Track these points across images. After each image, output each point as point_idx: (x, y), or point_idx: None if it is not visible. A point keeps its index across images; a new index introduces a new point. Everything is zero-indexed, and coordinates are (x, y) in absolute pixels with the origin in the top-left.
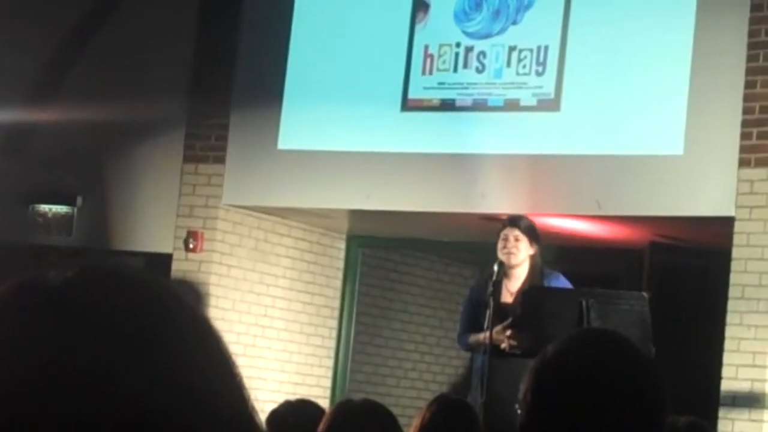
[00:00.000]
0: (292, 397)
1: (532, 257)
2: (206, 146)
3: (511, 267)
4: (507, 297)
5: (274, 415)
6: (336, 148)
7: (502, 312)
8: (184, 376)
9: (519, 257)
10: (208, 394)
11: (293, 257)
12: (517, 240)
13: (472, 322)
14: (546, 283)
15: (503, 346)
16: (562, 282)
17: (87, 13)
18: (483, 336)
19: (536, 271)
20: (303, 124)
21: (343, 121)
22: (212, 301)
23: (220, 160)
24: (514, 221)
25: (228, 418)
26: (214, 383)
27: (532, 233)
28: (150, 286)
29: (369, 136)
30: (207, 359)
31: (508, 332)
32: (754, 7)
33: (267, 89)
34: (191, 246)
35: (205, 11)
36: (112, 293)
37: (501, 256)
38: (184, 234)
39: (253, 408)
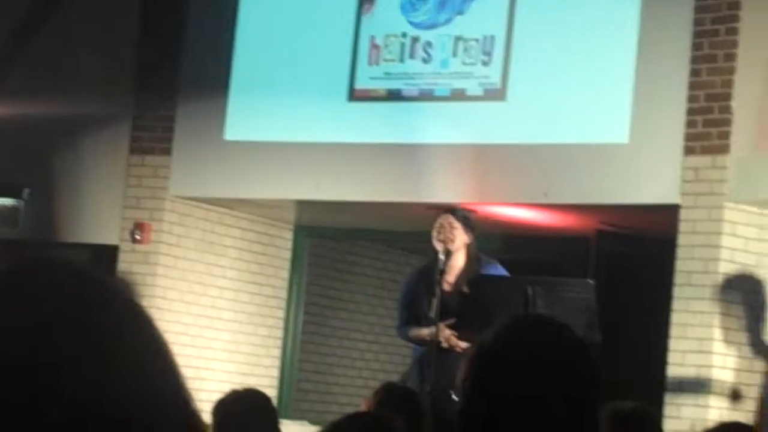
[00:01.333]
0: (239, 387)
1: (468, 246)
2: (153, 138)
3: (447, 255)
4: (445, 287)
5: (221, 403)
6: (283, 138)
7: (441, 302)
8: (121, 361)
9: (454, 245)
10: (144, 378)
11: (241, 248)
12: (452, 227)
13: (411, 314)
14: (484, 272)
15: (443, 345)
16: (500, 271)
17: (31, 7)
18: (427, 332)
19: (473, 260)
20: (250, 115)
21: (290, 112)
22: (159, 293)
23: (167, 151)
24: (449, 209)
25: (164, 402)
26: (150, 368)
27: (467, 222)
28: (87, 277)
29: (316, 127)
30: (142, 345)
31: (447, 332)
32: None
33: (213, 80)
34: (138, 238)
35: (149, 2)
36: (50, 283)
37: (436, 244)
38: (130, 225)
39: (188, 392)
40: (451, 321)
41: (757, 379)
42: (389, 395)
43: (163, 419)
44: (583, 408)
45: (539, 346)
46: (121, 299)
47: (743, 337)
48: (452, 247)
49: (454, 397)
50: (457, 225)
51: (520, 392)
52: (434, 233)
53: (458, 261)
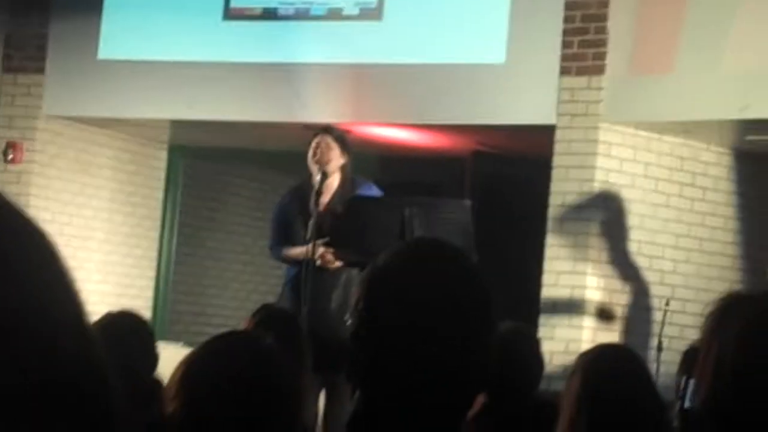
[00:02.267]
0: (114, 309)
1: (343, 167)
2: (25, 56)
3: (323, 175)
4: (320, 207)
5: (97, 326)
6: (157, 57)
7: (315, 223)
8: (27, 284)
9: (332, 165)
10: (50, 299)
11: (114, 168)
12: (329, 147)
13: (285, 234)
14: (359, 193)
15: (318, 263)
16: (375, 191)
17: None
18: (305, 249)
19: (347, 181)
20: (124, 34)
21: (165, 30)
22: (32, 213)
23: (40, 70)
24: (326, 129)
25: (67, 324)
26: (55, 290)
27: (344, 142)
28: None
29: (191, 46)
30: (47, 270)
31: (321, 249)
32: None
33: None
34: (10, 157)
35: None
36: None
37: (311, 164)
38: (2, 145)
39: (87, 316)
40: (325, 240)
41: (629, 299)
42: (268, 316)
43: (57, 326)
44: (478, 327)
45: (433, 268)
46: (24, 221)
47: (616, 257)
48: (328, 168)
49: (348, 320)
50: (334, 145)
51: (415, 315)
52: (310, 153)
53: (333, 182)
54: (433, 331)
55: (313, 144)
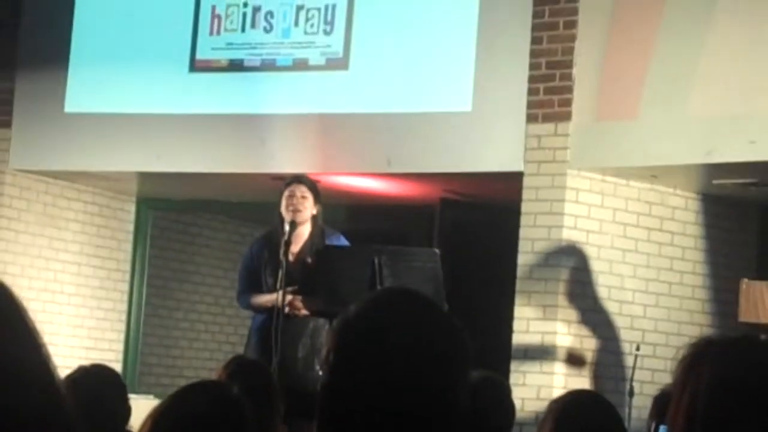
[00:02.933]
0: (85, 362)
1: (315, 217)
2: None
3: (297, 225)
4: (290, 257)
5: (69, 380)
6: (124, 110)
7: (285, 273)
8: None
9: (305, 215)
10: (21, 366)
11: (83, 221)
12: (303, 197)
13: (253, 281)
14: (328, 243)
15: (287, 311)
16: (343, 242)
17: None
18: (273, 297)
19: (318, 230)
20: (90, 87)
21: (131, 84)
22: (0, 268)
23: (6, 124)
24: (299, 179)
25: (39, 389)
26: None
27: (316, 191)
28: None
29: (158, 98)
30: (19, 334)
31: (290, 297)
32: None
33: (52, 52)
34: None
35: None
36: None
37: (285, 213)
38: None
39: (59, 377)
40: (294, 288)
41: (599, 344)
42: (239, 367)
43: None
44: (452, 378)
45: (405, 319)
46: None
47: (585, 303)
48: (300, 217)
49: (318, 370)
50: (308, 195)
51: (387, 364)
52: (284, 203)
53: (304, 231)
54: (406, 379)
55: (287, 193)
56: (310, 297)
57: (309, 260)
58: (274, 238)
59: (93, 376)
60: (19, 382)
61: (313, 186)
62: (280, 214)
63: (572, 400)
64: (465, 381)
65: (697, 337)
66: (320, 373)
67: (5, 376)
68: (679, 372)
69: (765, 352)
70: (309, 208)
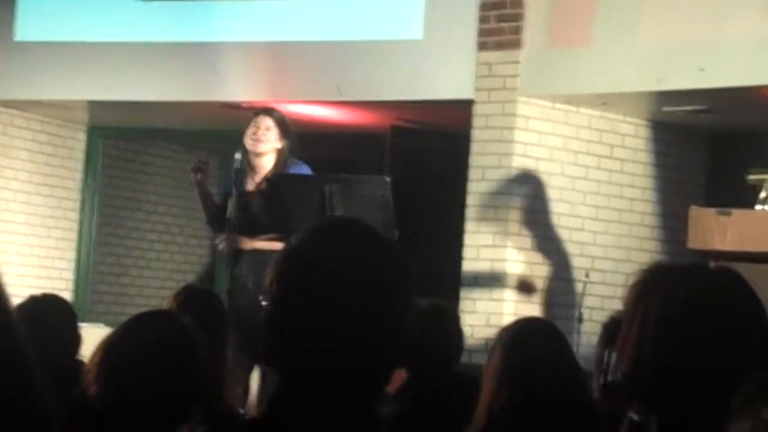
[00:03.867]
0: (35, 292)
1: (280, 150)
2: None
3: (256, 155)
4: (250, 186)
5: (20, 310)
6: (75, 38)
7: (243, 201)
8: None
9: (265, 146)
10: None
11: (32, 150)
12: (267, 129)
13: (221, 211)
14: (289, 171)
15: (220, 247)
16: (305, 170)
17: None
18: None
19: (281, 164)
20: (40, 15)
21: (82, 12)
22: None
23: None
24: (268, 111)
25: None
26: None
27: (284, 126)
28: None
29: (108, 27)
30: None
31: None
32: None
33: None
34: None
35: None
36: None
37: (247, 142)
38: None
39: (9, 300)
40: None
41: (550, 272)
42: (190, 296)
43: None
44: (394, 305)
45: (346, 245)
46: None
47: (536, 230)
48: (260, 148)
49: (262, 300)
50: (273, 127)
51: (328, 292)
52: (248, 131)
53: (266, 163)
54: (348, 307)
55: (252, 122)
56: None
57: (265, 189)
58: (242, 171)
59: (43, 305)
60: None
61: (281, 119)
62: (243, 143)
63: (521, 327)
64: (409, 308)
65: (647, 264)
66: (263, 303)
67: None
68: (629, 298)
69: (713, 279)
70: (272, 140)
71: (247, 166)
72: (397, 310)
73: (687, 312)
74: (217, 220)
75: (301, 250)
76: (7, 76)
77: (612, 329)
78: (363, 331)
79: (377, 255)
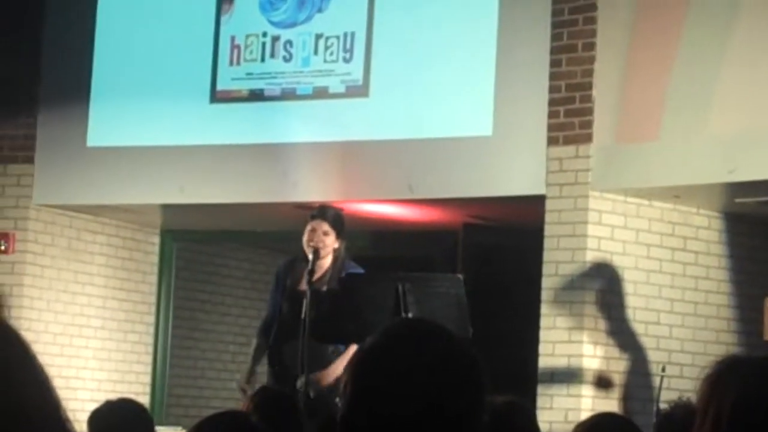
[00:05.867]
0: (112, 396)
1: (336, 250)
2: (14, 146)
3: (316, 255)
4: (304, 286)
5: (96, 414)
6: (146, 143)
7: (296, 299)
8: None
9: (325, 251)
10: (30, 406)
11: (107, 254)
12: (325, 234)
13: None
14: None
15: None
16: (359, 271)
17: None
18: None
19: (338, 264)
20: (111, 121)
21: (152, 116)
22: (27, 303)
23: (29, 159)
24: (323, 214)
25: (36, 413)
26: (34, 396)
27: (340, 226)
28: None
29: (179, 130)
30: (8, 360)
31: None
32: None
33: (74, 86)
34: (2, 248)
35: (3, 10)
36: None
37: (307, 248)
38: None
39: (66, 416)
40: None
41: (626, 366)
42: (265, 398)
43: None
44: (467, 407)
45: (419, 348)
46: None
47: (611, 325)
48: (320, 253)
49: (338, 402)
50: (330, 231)
51: (402, 396)
52: (306, 237)
53: (325, 263)
54: (421, 412)
55: (309, 227)
56: (337, 328)
57: (330, 287)
58: (297, 265)
59: (119, 410)
60: (29, 422)
61: (336, 220)
62: (303, 247)
63: (597, 423)
64: (481, 410)
65: (721, 356)
66: (339, 404)
67: (15, 417)
68: (704, 390)
69: None
70: (330, 244)
71: (301, 266)
72: (470, 413)
73: (762, 407)
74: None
75: (374, 353)
76: (81, 181)
77: (663, 423)
78: None
79: (450, 358)
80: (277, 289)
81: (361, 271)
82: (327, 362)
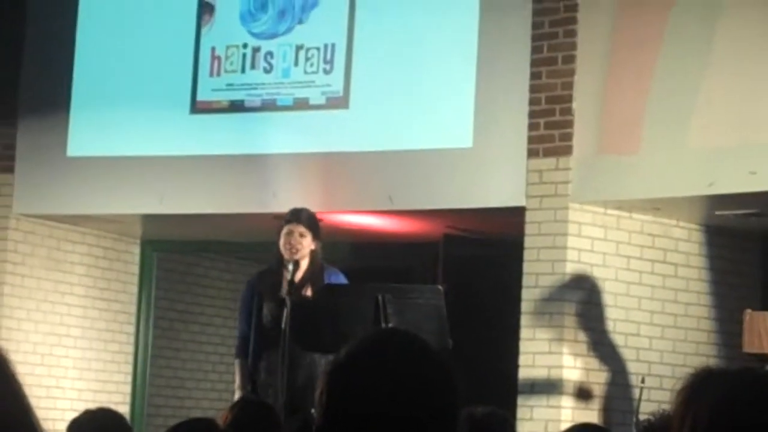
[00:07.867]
0: (92, 405)
1: (313, 251)
2: None
3: (296, 265)
4: (284, 292)
5: (75, 424)
6: (126, 153)
7: (279, 307)
8: None
9: (302, 253)
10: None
11: (87, 264)
12: (302, 236)
13: (250, 321)
14: (326, 279)
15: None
16: (342, 280)
17: None
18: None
19: (316, 266)
20: (92, 131)
21: (133, 126)
22: (6, 312)
23: (9, 169)
24: (297, 216)
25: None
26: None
27: (315, 227)
28: None
29: (159, 140)
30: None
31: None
32: None
33: (53, 96)
34: None
35: None
36: None
37: (284, 251)
38: None
39: (39, 424)
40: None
41: (606, 377)
42: (245, 409)
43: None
44: (441, 418)
45: (393, 359)
46: None
47: (591, 336)
48: (299, 256)
49: (312, 412)
50: (307, 233)
51: (376, 408)
52: (282, 240)
53: (302, 266)
54: (398, 421)
55: (285, 230)
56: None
57: (308, 294)
58: (268, 276)
59: (98, 419)
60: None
61: (311, 222)
62: (278, 251)
63: None
64: (455, 418)
65: (696, 369)
66: (314, 413)
67: None
68: (679, 403)
69: (763, 384)
70: (307, 245)
71: (283, 270)
72: (446, 423)
73: (739, 417)
74: (242, 348)
75: (348, 362)
76: (61, 191)
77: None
78: None
79: (424, 368)
80: (249, 305)
81: (342, 277)
82: (308, 371)
